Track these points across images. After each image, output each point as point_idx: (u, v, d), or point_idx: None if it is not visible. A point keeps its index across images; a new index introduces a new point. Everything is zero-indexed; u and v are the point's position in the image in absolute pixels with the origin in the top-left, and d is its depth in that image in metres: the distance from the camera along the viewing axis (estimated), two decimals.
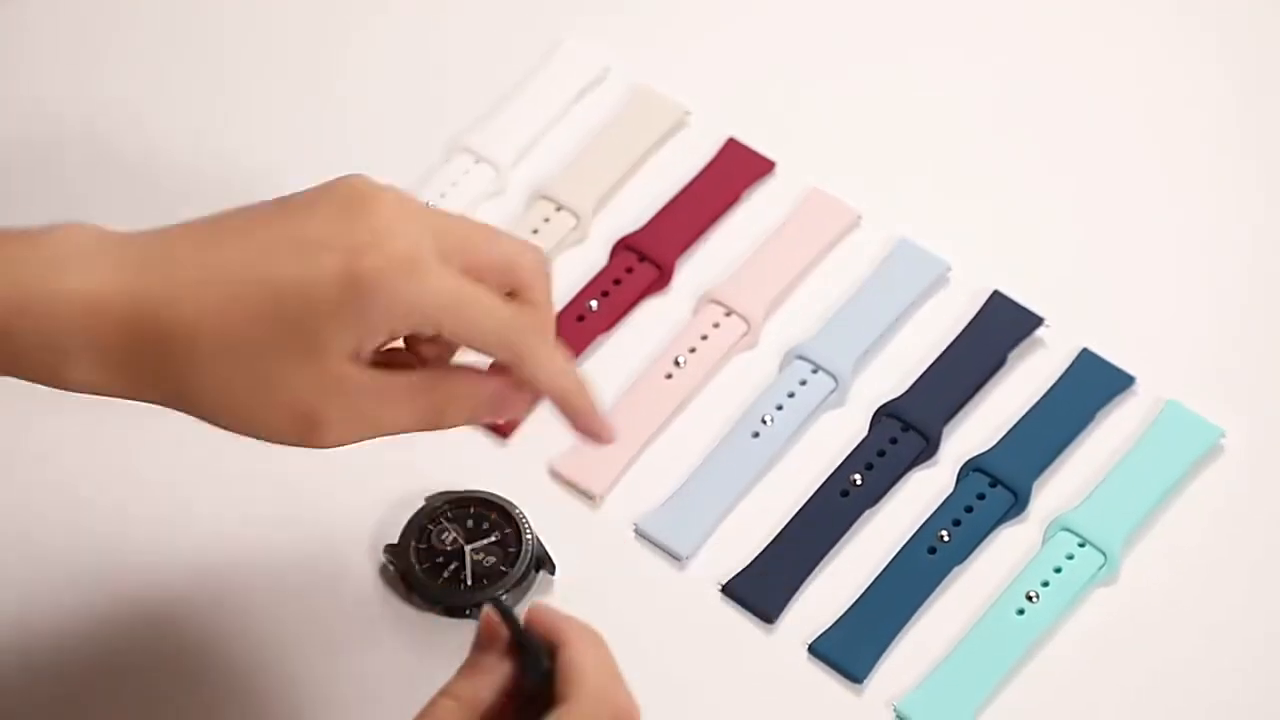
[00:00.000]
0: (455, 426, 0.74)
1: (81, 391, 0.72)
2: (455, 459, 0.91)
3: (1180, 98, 1.06)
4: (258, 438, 0.72)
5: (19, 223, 0.99)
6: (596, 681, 0.70)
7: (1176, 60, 1.08)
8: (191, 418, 0.73)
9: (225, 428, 0.72)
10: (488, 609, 0.72)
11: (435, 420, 0.74)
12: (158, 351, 0.71)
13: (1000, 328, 0.97)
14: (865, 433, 0.95)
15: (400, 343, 0.76)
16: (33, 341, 0.70)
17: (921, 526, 0.92)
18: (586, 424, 0.75)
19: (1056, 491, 0.93)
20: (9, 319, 0.70)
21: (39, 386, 0.72)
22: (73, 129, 1.04)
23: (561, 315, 0.97)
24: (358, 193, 0.73)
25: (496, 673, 0.71)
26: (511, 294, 0.74)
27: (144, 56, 1.07)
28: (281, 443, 0.72)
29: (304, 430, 0.71)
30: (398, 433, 0.74)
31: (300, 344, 0.70)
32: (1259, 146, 1.05)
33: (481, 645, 0.72)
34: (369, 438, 0.73)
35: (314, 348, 0.70)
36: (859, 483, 0.93)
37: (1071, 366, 0.96)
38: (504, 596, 0.86)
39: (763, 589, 0.90)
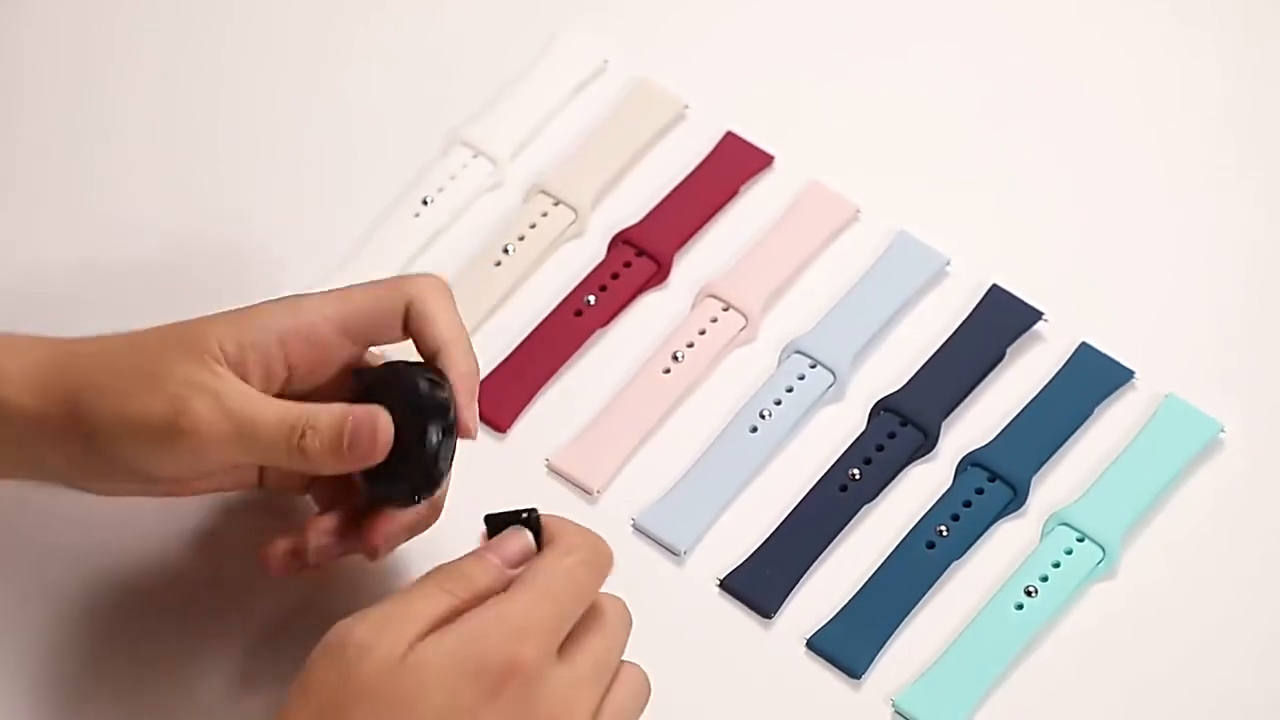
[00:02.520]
0: (314, 449, 0.79)
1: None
2: None
3: (1180, 93, 1.06)
4: (140, 432, 0.79)
5: (11, 218, 1.01)
6: (576, 528, 0.78)
7: (1176, 56, 1.08)
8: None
9: (108, 425, 0.79)
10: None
11: (293, 434, 0.79)
12: (64, 358, 0.81)
13: (999, 322, 0.97)
14: (864, 427, 0.95)
15: None
16: None
17: (920, 521, 0.92)
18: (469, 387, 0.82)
19: (1055, 486, 0.93)
20: None
21: None
22: (72, 125, 1.04)
23: (559, 310, 0.97)
24: None
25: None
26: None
27: (144, 51, 1.07)
28: (154, 436, 0.79)
29: (175, 415, 0.78)
30: (262, 447, 0.79)
31: (184, 342, 0.80)
32: (1259, 141, 1.05)
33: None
34: (233, 446, 0.79)
35: (196, 345, 0.79)
36: (857, 477, 0.93)
37: (1070, 360, 0.96)
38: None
39: (761, 584, 0.90)
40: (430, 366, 0.82)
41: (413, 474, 0.81)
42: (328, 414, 0.79)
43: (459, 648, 0.73)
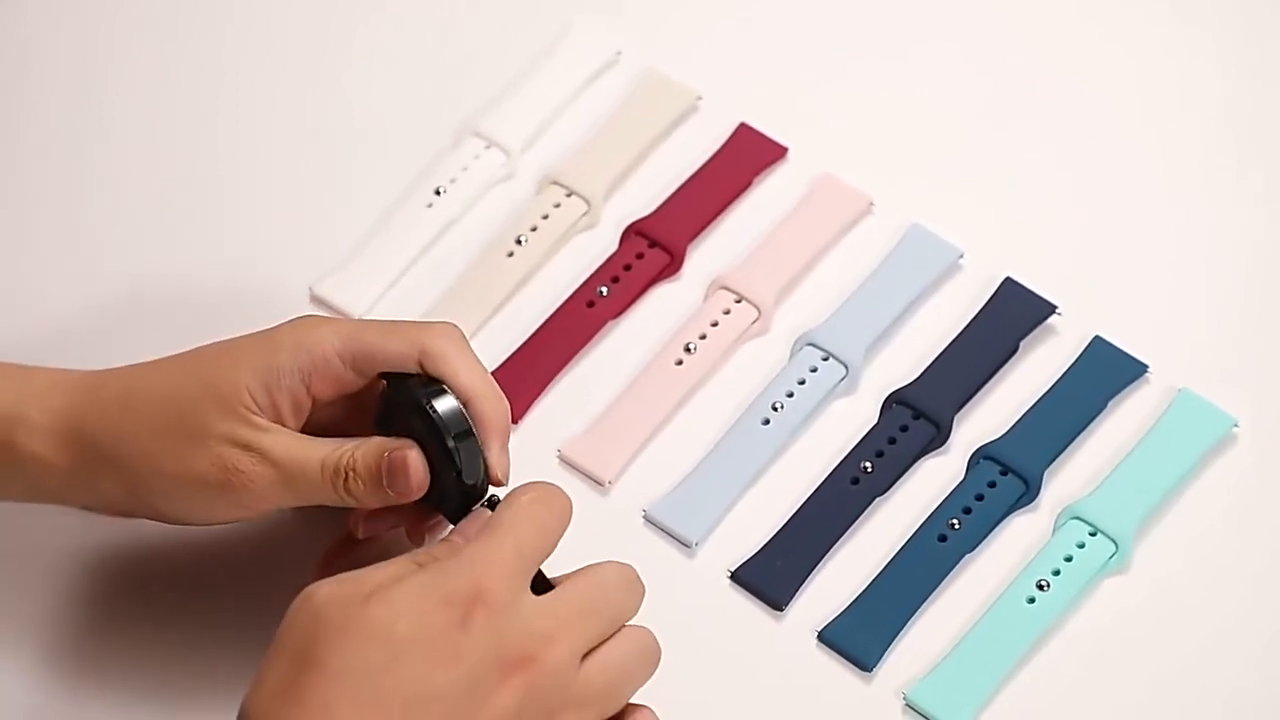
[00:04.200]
0: (358, 491, 0.81)
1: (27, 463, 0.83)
2: None
3: (1188, 85, 1.06)
4: (186, 489, 0.81)
5: (12, 221, 1.00)
6: (527, 483, 0.79)
7: (1185, 48, 1.07)
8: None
9: (148, 479, 0.81)
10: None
11: (338, 478, 0.81)
12: (87, 395, 0.82)
13: (1012, 315, 0.97)
14: (876, 420, 0.94)
15: None
16: None
17: (932, 514, 0.91)
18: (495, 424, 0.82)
19: (1068, 480, 0.93)
20: None
21: None
22: (72, 125, 1.04)
23: (571, 301, 0.97)
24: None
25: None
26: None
27: (144, 51, 1.07)
28: (201, 493, 0.81)
29: (224, 475, 0.80)
30: (309, 493, 0.81)
31: (217, 395, 0.81)
32: (1269, 133, 1.04)
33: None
34: (282, 496, 0.81)
35: (230, 398, 0.80)
36: (869, 470, 0.93)
37: (1084, 354, 0.96)
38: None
39: (772, 576, 0.90)
40: (429, 377, 0.82)
41: (452, 493, 0.82)
42: (364, 454, 0.81)
43: (423, 583, 0.74)
